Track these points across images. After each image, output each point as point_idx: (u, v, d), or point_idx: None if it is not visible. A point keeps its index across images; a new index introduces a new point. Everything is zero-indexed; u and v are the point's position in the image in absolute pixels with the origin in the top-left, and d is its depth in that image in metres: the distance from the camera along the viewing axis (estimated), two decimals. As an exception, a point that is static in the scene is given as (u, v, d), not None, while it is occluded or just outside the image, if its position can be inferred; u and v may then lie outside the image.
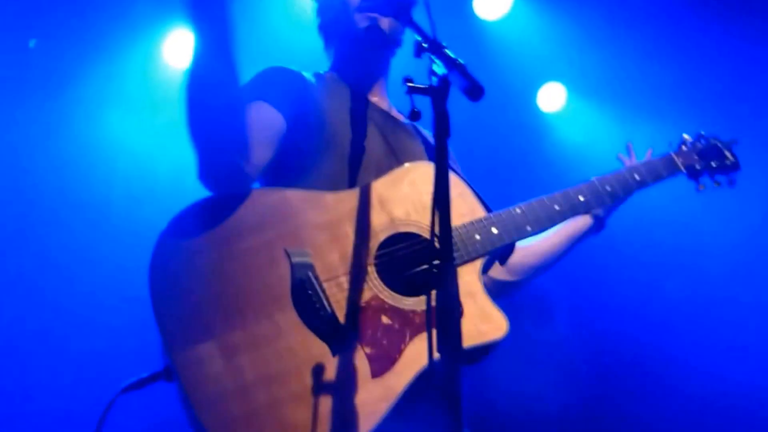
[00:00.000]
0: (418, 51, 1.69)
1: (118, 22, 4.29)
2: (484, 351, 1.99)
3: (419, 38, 1.71)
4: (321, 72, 2.45)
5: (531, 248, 2.53)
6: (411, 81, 1.69)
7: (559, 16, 4.79)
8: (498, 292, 2.45)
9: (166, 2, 4.31)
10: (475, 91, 1.51)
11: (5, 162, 4.11)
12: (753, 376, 4.60)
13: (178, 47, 4.44)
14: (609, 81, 4.96)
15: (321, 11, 2.48)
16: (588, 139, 4.96)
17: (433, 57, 1.65)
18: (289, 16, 4.38)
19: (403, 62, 2.20)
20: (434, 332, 1.49)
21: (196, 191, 2.01)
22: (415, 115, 1.76)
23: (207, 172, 1.91)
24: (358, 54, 2.41)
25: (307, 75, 2.35)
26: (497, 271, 2.44)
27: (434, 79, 1.64)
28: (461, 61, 1.59)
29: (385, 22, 2.29)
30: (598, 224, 2.63)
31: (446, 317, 1.47)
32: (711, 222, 4.62)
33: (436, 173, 1.57)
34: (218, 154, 1.90)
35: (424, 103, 1.70)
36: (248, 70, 2.22)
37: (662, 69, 4.82)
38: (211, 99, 1.85)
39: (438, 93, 1.62)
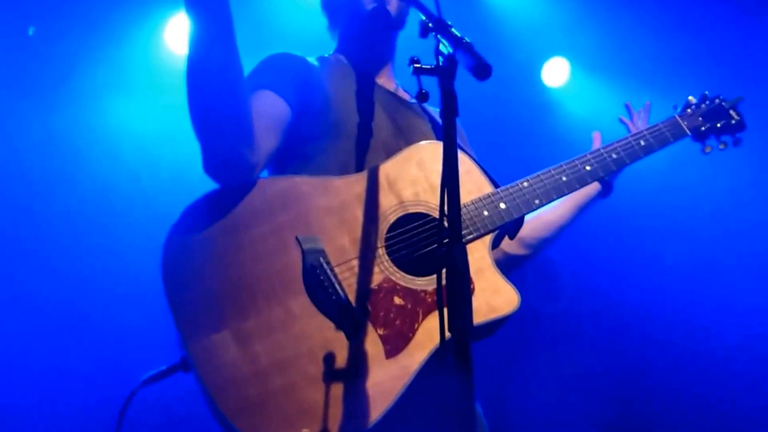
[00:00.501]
0: (424, 31, 1.67)
1: (118, 7, 4.27)
2: (495, 326, 2.00)
3: (424, 18, 1.69)
4: (326, 55, 2.44)
5: (540, 219, 2.53)
6: (417, 62, 1.68)
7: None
8: (510, 265, 2.47)
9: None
10: (482, 69, 1.49)
11: (7, 150, 4.11)
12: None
13: (179, 32, 4.42)
14: (612, 55, 4.95)
15: None
16: (592, 112, 4.94)
17: (439, 36, 1.64)
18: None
19: (409, 43, 2.19)
20: (446, 311, 1.50)
21: (201, 177, 2.02)
22: (422, 96, 1.76)
23: (212, 165, 1.92)
24: (364, 35, 2.40)
25: (311, 60, 2.34)
26: (508, 245, 2.45)
27: (441, 59, 1.62)
28: (467, 39, 1.58)
29: (392, 4, 2.29)
30: (606, 189, 2.61)
31: (457, 296, 1.47)
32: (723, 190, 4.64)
33: (444, 153, 1.57)
34: (223, 146, 1.89)
35: (431, 83, 1.70)
36: (254, 54, 2.22)
37: (664, 40, 4.82)
38: (213, 90, 1.85)
39: (445, 73, 1.60)
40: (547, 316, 5.03)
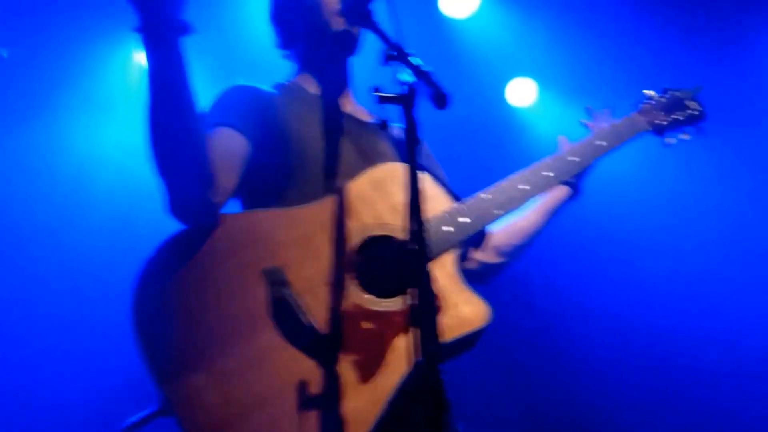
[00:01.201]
0: (386, 59, 1.73)
1: (91, 29, 4.30)
2: (470, 340, 2.02)
3: (386, 46, 1.75)
4: (283, 81, 2.42)
5: (513, 226, 2.51)
6: (379, 90, 1.71)
7: (528, 12, 4.87)
8: (487, 274, 2.48)
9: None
10: (441, 99, 1.56)
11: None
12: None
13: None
14: (579, 75, 5.04)
15: (286, 8, 2.44)
16: (560, 132, 5.03)
17: (400, 65, 1.69)
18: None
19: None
20: (415, 332, 1.53)
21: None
22: (383, 125, 1.80)
23: (174, 208, 1.92)
24: (327, 58, 2.39)
25: (268, 88, 2.33)
26: (484, 254, 2.45)
27: (402, 88, 1.66)
28: (427, 69, 1.64)
29: (355, 29, 2.30)
30: (575, 191, 2.58)
31: (424, 315, 1.50)
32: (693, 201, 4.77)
33: (410, 178, 1.60)
34: (184, 190, 1.90)
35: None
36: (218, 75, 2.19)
37: (630, 59, 4.92)
38: (170, 136, 1.85)
39: (406, 101, 1.65)
40: (524, 329, 5.10)
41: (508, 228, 2.51)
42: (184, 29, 1.82)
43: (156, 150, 1.86)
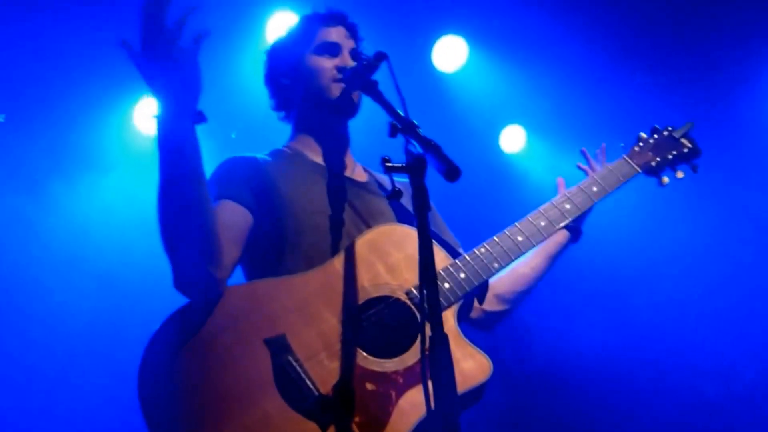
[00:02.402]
0: (392, 131, 1.79)
1: (87, 90, 4.36)
2: (475, 395, 2.06)
3: (392, 118, 1.82)
4: (280, 147, 2.47)
5: (515, 273, 2.53)
6: (389, 161, 1.78)
7: (511, 64, 5.01)
8: (490, 322, 2.52)
9: (134, 72, 4.39)
10: (451, 172, 1.61)
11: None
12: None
13: (148, 113, 4.55)
14: (566, 119, 5.15)
15: (284, 73, 2.49)
16: (551, 175, 5.11)
17: (408, 138, 1.76)
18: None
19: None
20: (425, 389, 1.56)
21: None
22: (396, 195, 1.86)
23: (181, 283, 1.97)
24: (326, 121, 2.44)
25: (264, 156, 2.38)
26: (486, 304, 2.48)
27: (411, 159, 1.73)
28: (435, 142, 1.70)
29: (355, 95, 2.36)
30: (574, 235, 2.59)
31: (439, 372, 1.55)
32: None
33: (420, 244, 1.66)
34: (190, 267, 1.95)
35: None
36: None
37: (615, 104, 5.04)
38: (181, 218, 1.91)
39: (415, 171, 1.72)
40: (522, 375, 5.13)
41: (510, 275, 2.52)
42: (199, 118, 1.89)
43: (166, 228, 1.92)
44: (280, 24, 4.41)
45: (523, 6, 4.78)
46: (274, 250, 2.20)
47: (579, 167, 2.70)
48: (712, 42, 4.90)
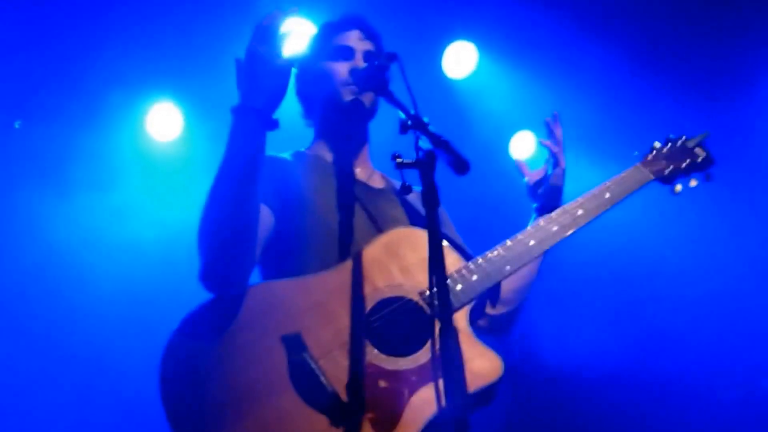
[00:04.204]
0: (403, 128, 1.81)
1: (100, 98, 4.41)
2: (486, 395, 2.07)
3: (403, 116, 1.83)
4: (302, 149, 2.53)
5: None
6: (399, 157, 1.81)
7: (522, 70, 5.03)
8: (496, 326, 2.53)
9: (146, 79, 4.47)
10: (461, 165, 1.63)
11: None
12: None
13: (160, 121, 4.60)
14: (576, 126, 5.13)
15: (306, 81, 2.56)
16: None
17: (418, 134, 1.78)
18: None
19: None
20: (436, 387, 1.58)
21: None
22: (406, 190, 1.89)
23: (210, 279, 2.02)
24: (341, 126, 2.50)
25: (287, 156, 2.44)
26: (496, 308, 2.49)
27: (421, 154, 1.76)
28: (445, 137, 1.72)
29: (367, 96, 2.40)
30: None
31: (450, 370, 1.57)
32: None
33: (430, 240, 1.68)
34: (225, 267, 2.01)
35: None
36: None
37: (621, 108, 5.05)
38: (231, 219, 1.97)
39: (425, 167, 1.74)
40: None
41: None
42: (273, 125, 1.99)
43: (214, 222, 1.97)
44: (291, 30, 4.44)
45: (533, 12, 4.80)
46: (288, 250, 2.24)
47: (542, 144, 2.70)
48: (725, 47, 4.90)
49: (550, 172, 2.66)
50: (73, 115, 4.39)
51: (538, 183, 2.70)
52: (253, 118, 1.96)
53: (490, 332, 2.54)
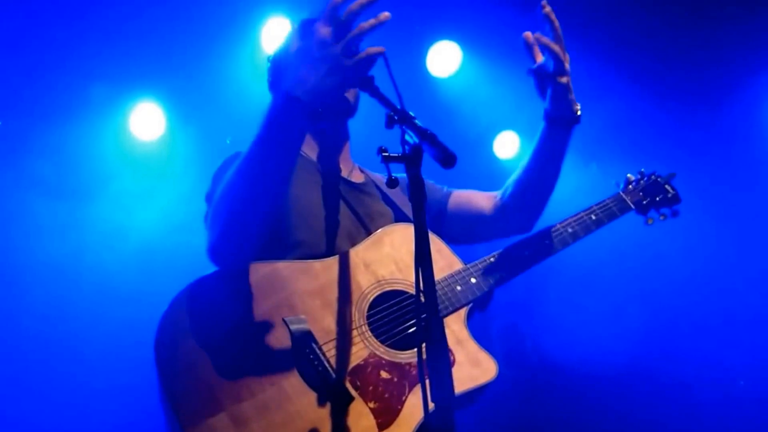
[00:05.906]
0: (389, 122, 1.80)
1: (84, 98, 4.39)
2: (474, 396, 2.11)
3: (388, 110, 1.83)
4: None
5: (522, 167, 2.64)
6: (386, 151, 1.80)
7: (505, 69, 5.02)
8: (514, 212, 2.58)
9: (130, 79, 4.45)
10: (448, 159, 1.64)
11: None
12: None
13: (143, 120, 4.58)
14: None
15: (284, 79, 2.51)
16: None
17: (404, 128, 1.77)
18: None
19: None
20: (428, 383, 1.59)
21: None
22: (393, 183, 1.87)
23: (220, 252, 2.05)
24: (324, 123, 2.47)
25: None
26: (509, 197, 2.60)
27: (407, 148, 1.75)
28: (431, 131, 1.71)
29: (350, 93, 2.40)
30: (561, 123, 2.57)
31: (438, 368, 1.57)
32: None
33: (416, 234, 1.68)
34: (240, 242, 2.04)
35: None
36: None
37: (606, 108, 5.08)
38: (260, 198, 2.02)
39: (411, 161, 1.74)
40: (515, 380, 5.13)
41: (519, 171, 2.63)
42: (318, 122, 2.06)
43: (238, 198, 2.00)
44: (274, 30, 4.45)
45: (516, 12, 4.81)
46: (273, 245, 2.22)
47: (529, 72, 2.55)
48: (711, 51, 4.95)
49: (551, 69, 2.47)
50: (56, 114, 4.36)
51: (543, 80, 2.52)
52: (302, 111, 1.96)
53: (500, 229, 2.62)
